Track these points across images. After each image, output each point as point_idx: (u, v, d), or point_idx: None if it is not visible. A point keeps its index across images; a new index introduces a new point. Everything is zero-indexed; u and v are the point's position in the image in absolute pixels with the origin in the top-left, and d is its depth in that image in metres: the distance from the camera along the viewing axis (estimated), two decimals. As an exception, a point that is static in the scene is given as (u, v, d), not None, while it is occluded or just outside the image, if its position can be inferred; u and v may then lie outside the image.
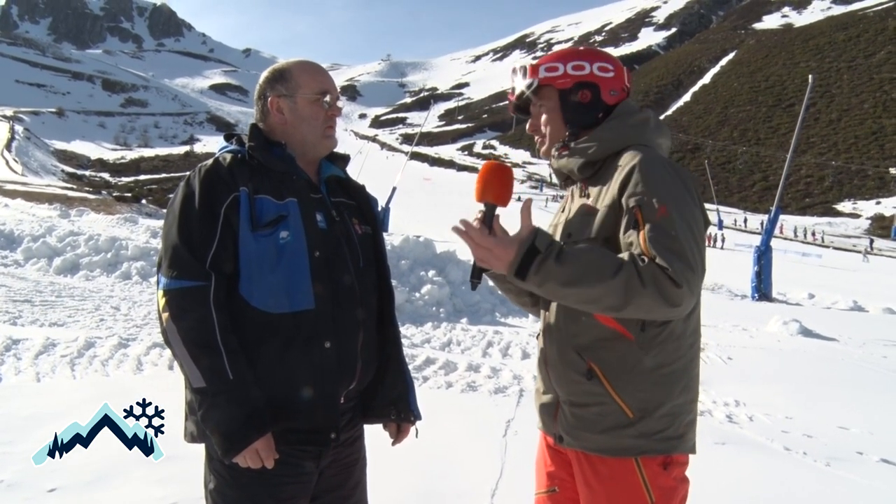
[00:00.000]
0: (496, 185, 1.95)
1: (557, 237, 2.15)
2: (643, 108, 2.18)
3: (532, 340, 9.04)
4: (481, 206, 1.94)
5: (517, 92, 2.19)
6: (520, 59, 2.25)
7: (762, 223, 34.90)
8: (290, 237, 1.95)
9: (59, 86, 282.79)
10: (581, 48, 2.21)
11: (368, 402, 2.21)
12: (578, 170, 2.08)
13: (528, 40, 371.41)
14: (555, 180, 2.32)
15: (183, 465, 3.55)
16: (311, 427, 1.97)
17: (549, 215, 2.43)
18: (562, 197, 2.32)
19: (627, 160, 1.94)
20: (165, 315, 1.87)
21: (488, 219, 1.92)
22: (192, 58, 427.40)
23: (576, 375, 1.99)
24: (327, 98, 2.12)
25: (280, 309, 1.93)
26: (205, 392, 1.85)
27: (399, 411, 2.22)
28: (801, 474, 4.73)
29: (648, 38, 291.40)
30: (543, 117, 2.16)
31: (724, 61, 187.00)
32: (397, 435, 2.27)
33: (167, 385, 5.28)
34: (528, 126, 2.22)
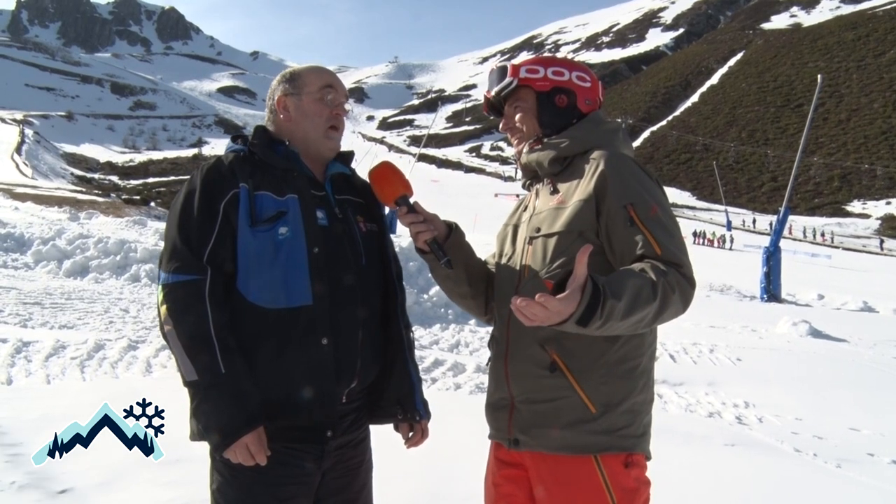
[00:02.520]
0: (394, 180, 2.14)
1: (520, 234, 2.18)
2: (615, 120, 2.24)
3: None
4: (394, 206, 2.12)
5: (494, 90, 2.22)
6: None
7: (771, 224, 34.76)
8: (288, 233, 1.97)
9: (68, 89, 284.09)
10: (559, 57, 2.26)
11: (375, 402, 2.21)
12: (549, 163, 2.11)
13: (535, 42, 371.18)
14: (520, 176, 2.35)
15: (191, 468, 3.57)
16: (307, 424, 1.98)
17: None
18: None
19: (600, 158, 1.99)
20: (163, 309, 1.90)
21: (410, 208, 2.12)
22: (200, 61, 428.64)
23: (538, 369, 1.97)
24: (330, 96, 2.14)
25: (277, 304, 1.94)
26: (197, 385, 1.87)
27: (405, 410, 2.21)
28: (812, 476, 4.71)
29: (656, 38, 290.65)
30: (518, 116, 2.19)
31: (732, 62, 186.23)
32: (410, 437, 2.26)
33: (176, 387, 5.28)
34: (501, 125, 2.26)
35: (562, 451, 1.94)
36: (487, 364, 2.23)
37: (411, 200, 2.15)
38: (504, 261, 2.21)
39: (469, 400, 6.15)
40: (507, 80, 2.16)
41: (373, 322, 2.13)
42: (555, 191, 2.09)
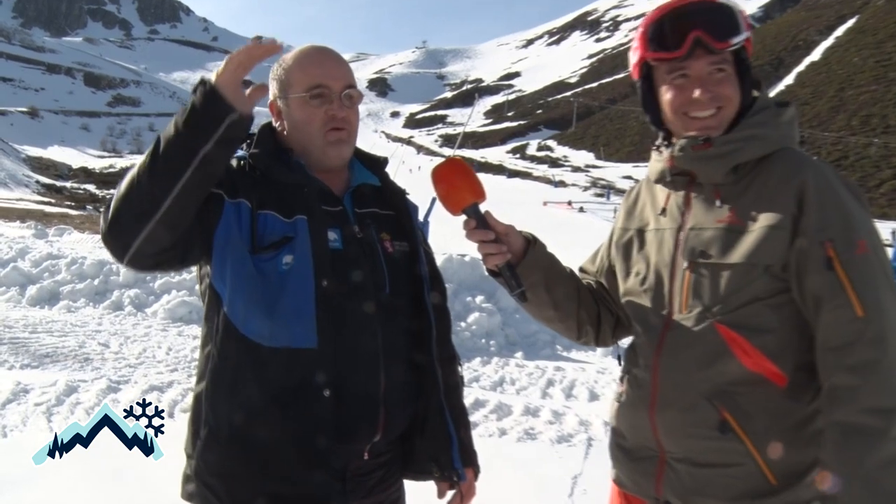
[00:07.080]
0: (462, 185, 2.02)
1: (664, 248, 2.02)
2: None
3: (602, 378, 8.96)
4: (463, 217, 2.02)
5: (727, 45, 1.88)
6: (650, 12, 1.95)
7: (893, 233, 34.03)
8: (294, 262, 1.91)
9: (30, 80, 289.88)
10: None
11: (409, 453, 2.18)
12: (724, 175, 1.91)
13: (589, 19, 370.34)
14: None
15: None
16: (304, 493, 1.93)
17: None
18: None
19: (798, 173, 1.82)
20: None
21: (480, 220, 2.00)
22: (191, 47, 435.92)
23: (703, 428, 1.86)
24: (320, 95, 2.04)
25: (274, 343, 1.90)
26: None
27: (442, 468, 2.16)
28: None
29: (742, 8, 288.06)
30: (725, 85, 1.91)
31: (839, 31, 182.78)
32: (450, 499, 2.22)
33: (166, 434, 5.34)
34: (707, 97, 1.91)
35: None
36: (619, 399, 2.14)
37: (482, 209, 2.04)
38: (636, 281, 2.08)
39: (516, 448, 6.12)
40: (745, 34, 1.89)
41: (399, 362, 2.08)
42: (722, 203, 1.91)
